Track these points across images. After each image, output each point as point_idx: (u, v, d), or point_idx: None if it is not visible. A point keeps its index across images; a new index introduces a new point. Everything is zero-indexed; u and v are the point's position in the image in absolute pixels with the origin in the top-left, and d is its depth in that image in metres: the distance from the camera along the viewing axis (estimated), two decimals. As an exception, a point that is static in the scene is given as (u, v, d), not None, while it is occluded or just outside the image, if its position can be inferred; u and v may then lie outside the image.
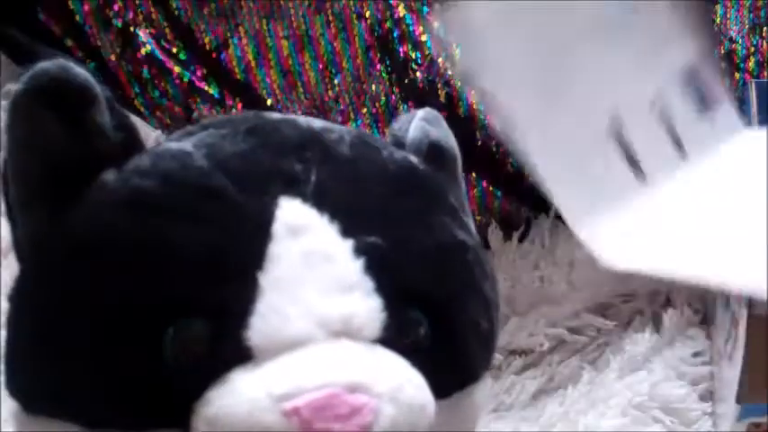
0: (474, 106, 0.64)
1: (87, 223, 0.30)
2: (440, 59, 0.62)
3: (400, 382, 0.29)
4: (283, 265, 0.29)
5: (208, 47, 0.68)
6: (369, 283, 0.29)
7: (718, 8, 0.62)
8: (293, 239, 0.29)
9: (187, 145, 0.31)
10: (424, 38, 0.62)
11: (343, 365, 0.28)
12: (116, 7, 0.66)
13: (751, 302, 0.49)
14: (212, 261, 0.29)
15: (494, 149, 0.65)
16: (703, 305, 0.66)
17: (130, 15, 0.66)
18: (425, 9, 0.62)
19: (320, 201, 0.30)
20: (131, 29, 0.66)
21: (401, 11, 0.63)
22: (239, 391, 0.27)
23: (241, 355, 0.28)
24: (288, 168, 0.31)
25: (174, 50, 0.67)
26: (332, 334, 0.29)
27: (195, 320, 0.28)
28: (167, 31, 0.67)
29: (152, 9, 0.66)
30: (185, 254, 0.29)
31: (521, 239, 0.67)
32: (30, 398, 0.31)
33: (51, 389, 0.30)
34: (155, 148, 0.32)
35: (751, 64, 0.63)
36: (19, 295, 0.31)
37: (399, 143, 0.36)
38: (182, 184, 0.30)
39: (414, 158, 0.34)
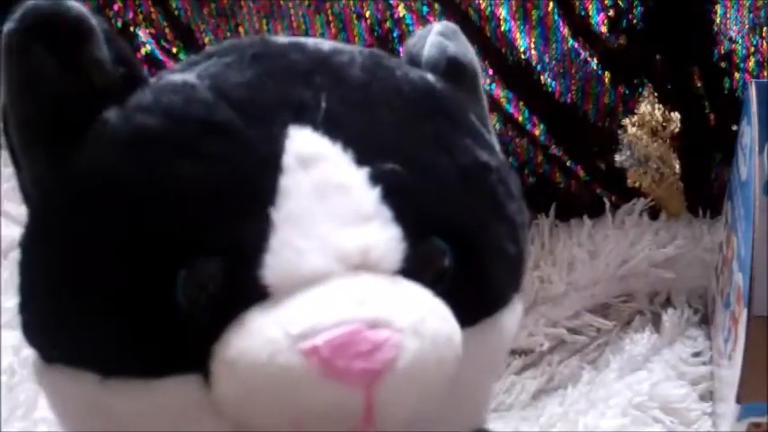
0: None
1: (91, 165, 0.29)
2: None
3: (423, 314, 0.27)
4: (296, 199, 0.28)
5: (208, 47, 0.68)
6: (387, 213, 0.28)
7: (718, 8, 0.62)
8: (305, 171, 0.28)
9: (191, 76, 0.30)
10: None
11: (362, 300, 0.27)
12: (116, 7, 0.66)
13: (751, 302, 0.49)
14: (221, 197, 0.28)
15: (494, 149, 0.65)
16: (703, 305, 0.66)
17: (130, 15, 0.66)
18: (425, 9, 0.62)
19: (332, 128, 0.29)
20: (131, 29, 0.66)
21: (401, 11, 0.63)
22: (256, 332, 0.26)
23: (257, 294, 0.27)
24: (296, 96, 0.29)
25: (174, 50, 0.67)
26: (350, 267, 0.27)
27: (207, 260, 0.27)
28: (167, 31, 0.67)
29: (152, 9, 0.66)
30: (193, 191, 0.28)
31: (521, 239, 0.66)
32: (45, 346, 0.30)
33: (64, 336, 0.29)
34: (158, 80, 0.30)
35: (751, 64, 0.63)
36: (28, 241, 0.30)
37: (415, 61, 0.33)
38: (186, 119, 0.28)
39: (431, 77, 0.33)
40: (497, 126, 0.64)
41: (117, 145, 0.29)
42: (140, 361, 0.28)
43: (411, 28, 0.63)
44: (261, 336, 0.26)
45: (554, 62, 0.63)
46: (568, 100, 0.64)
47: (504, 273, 0.32)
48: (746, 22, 0.62)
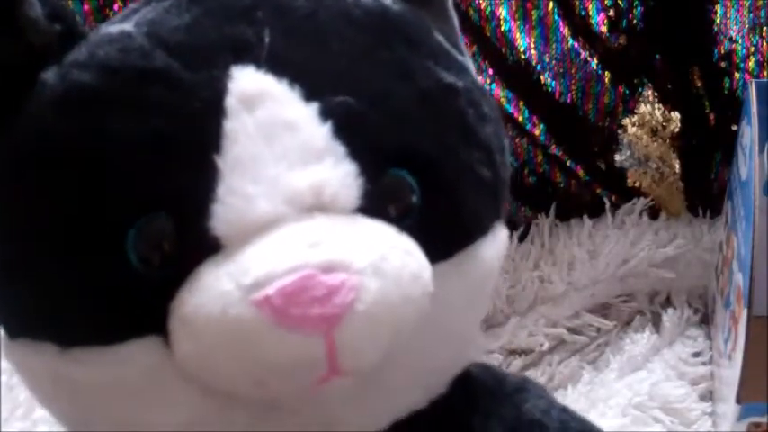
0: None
1: (30, 127, 0.28)
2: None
3: (383, 252, 0.26)
4: (241, 143, 0.26)
5: None
6: (340, 148, 0.27)
7: (718, 8, 0.62)
8: (249, 112, 0.26)
9: (128, 25, 0.28)
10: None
11: (316, 243, 0.25)
12: (116, 7, 0.66)
13: (751, 302, 0.49)
14: (161, 149, 0.26)
15: (494, 149, 0.65)
16: (703, 305, 0.66)
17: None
18: (425, 9, 0.62)
19: (277, 65, 0.27)
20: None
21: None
22: (209, 286, 0.25)
23: (209, 247, 0.26)
24: (237, 34, 0.28)
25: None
26: (303, 210, 0.26)
27: (155, 216, 0.26)
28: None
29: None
30: (132, 146, 0.26)
31: (521, 239, 0.67)
32: (6, 320, 0.29)
33: (22, 307, 0.29)
34: (95, 33, 0.29)
35: (751, 64, 0.63)
36: None
37: None
38: (121, 70, 0.27)
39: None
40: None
41: (54, 104, 0.28)
42: (97, 327, 0.27)
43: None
44: (213, 290, 0.25)
45: (554, 62, 0.63)
46: (568, 100, 0.64)
47: (478, 200, 0.30)
48: (746, 22, 0.62)
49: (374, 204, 0.27)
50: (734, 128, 0.61)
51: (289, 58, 0.27)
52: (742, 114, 0.57)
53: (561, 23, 0.62)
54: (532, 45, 0.63)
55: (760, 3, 0.62)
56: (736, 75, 0.63)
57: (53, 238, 0.27)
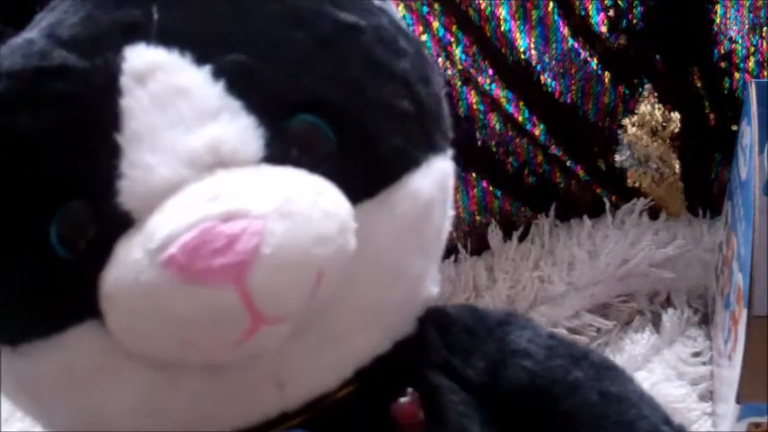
0: (474, 106, 0.64)
1: None
2: (439, 59, 0.62)
3: (289, 195, 0.26)
4: (137, 117, 0.27)
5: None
6: (235, 103, 0.27)
7: (718, 8, 0.62)
8: (142, 86, 0.27)
9: (32, 33, 0.30)
10: (424, 37, 0.62)
11: (214, 196, 0.26)
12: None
13: (751, 302, 0.49)
14: (65, 139, 0.27)
15: (494, 149, 0.65)
16: (703, 305, 0.66)
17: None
18: (425, 9, 0.62)
19: (166, 37, 0.28)
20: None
21: (401, 10, 0.63)
22: (122, 259, 0.26)
23: (123, 222, 0.27)
24: (127, 17, 0.29)
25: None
26: (204, 169, 0.27)
27: (71, 204, 0.27)
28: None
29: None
30: (38, 141, 0.28)
31: (521, 239, 0.67)
32: None
33: None
34: (4, 47, 0.30)
35: (751, 64, 0.63)
36: None
37: None
38: (23, 73, 0.28)
39: None
40: (497, 126, 0.64)
41: None
42: (38, 321, 0.28)
43: (411, 28, 0.63)
44: (126, 261, 0.26)
45: (554, 62, 0.63)
46: (568, 100, 0.64)
47: (398, 133, 0.30)
48: (746, 22, 0.62)
49: (280, 153, 0.28)
50: (734, 128, 0.61)
51: (178, 29, 0.28)
52: (742, 114, 0.57)
53: (561, 23, 0.62)
54: (532, 45, 0.63)
55: (760, 3, 0.62)
56: (736, 75, 0.63)
57: None
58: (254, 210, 0.26)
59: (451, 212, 0.34)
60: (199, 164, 0.27)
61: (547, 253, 0.65)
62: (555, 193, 0.67)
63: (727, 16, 0.62)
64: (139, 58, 0.28)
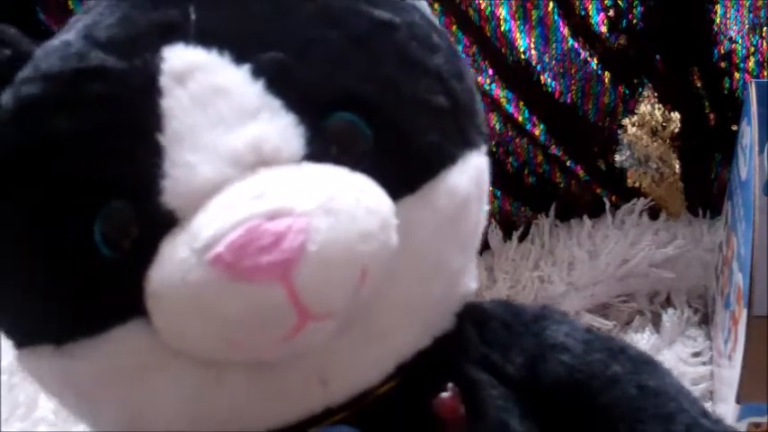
0: (474, 106, 0.64)
1: None
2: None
3: (331, 192, 0.27)
4: (178, 116, 0.27)
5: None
6: (275, 102, 0.28)
7: (718, 8, 0.62)
8: (182, 86, 0.28)
9: (69, 35, 0.30)
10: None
11: (259, 195, 0.26)
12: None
13: (751, 302, 0.49)
14: (106, 140, 0.28)
15: (494, 149, 0.65)
16: (703, 305, 0.66)
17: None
18: (425, 9, 0.62)
19: (205, 37, 0.28)
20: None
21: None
22: (168, 258, 0.26)
23: (167, 222, 0.27)
24: (164, 17, 0.29)
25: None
26: (246, 168, 0.27)
27: (114, 204, 0.27)
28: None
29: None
30: (79, 142, 0.28)
31: (521, 239, 0.67)
32: (10, 334, 0.31)
33: (15, 317, 0.30)
34: (40, 49, 0.31)
35: (751, 64, 0.63)
36: None
37: None
38: (61, 75, 0.29)
39: None
40: (497, 126, 0.64)
41: (8, 121, 0.29)
42: (82, 320, 0.28)
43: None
44: (172, 260, 0.26)
45: (554, 62, 0.63)
46: (568, 100, 0.64)
47: (434, 129, 0.30)
48: (746, 22, 0.62)
49: (321, 150, 0.28)
50: (734, 128, 0.61)
51: (215, 29, 0.28)
52: (742, 114, 0.57)
53: (561, 23, 0.62)
54: (532, 45, 0.63)
55: (760, 3, 0.62)
56: (736, 75, 0.63)
57: (27, 245, 0.29)
58: (299, 207, 0.26)
59: (487, 208, 0.34)
60: (241, 163, 0.27)
61: (547, 253, 0.65)
62: (555, 193, 0.67)
63: (727, 16, 0.62)
64: (178, 58, 0.28)
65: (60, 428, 0.54)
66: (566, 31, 0.62)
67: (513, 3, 0.62)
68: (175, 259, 0.26)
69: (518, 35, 0.62)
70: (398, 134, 0.30)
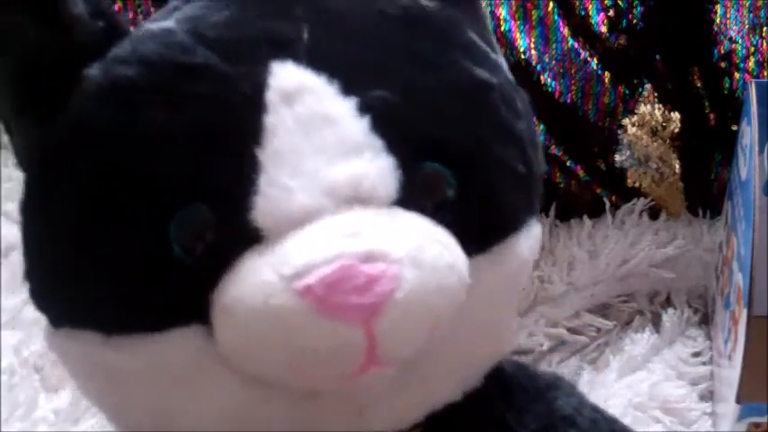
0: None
1: (76, 123, 0.29)
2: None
3: (420, 243, 0.27)
4: (281, 136, 0.27)
5: None
6: (377, 142, 0.27)
7: (718, 8, 0.62)
8: (289, 106, 0.27)
9: (169, 23, 0.29)
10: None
11: (355, 233, 0.26)
12: (116, 7, 0.66)
13: (751, 302, 0.49)
14: (203, 141, 0.27)
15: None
16: (703, 305, 0.66)
17: (130, 15, 0.66)
18: (425, 9, 0.62)
19: (315, 60, 0.28)
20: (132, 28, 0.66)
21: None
22: (250, 277, 0.26)
23: (250, 238, 0.26)
24: (276, 30, 0.28)
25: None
26: (342, 202, 0.27)
27: (196, 206, 0.27)
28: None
29: (152, 9, 0.66)
30: (173, 137, 0.27)
31: (521, 239, 0.66)
32: (50, 310, 0.30)
33: (67, 296, 0.29)
34: (137, 30, 0.30)
35: (751, 64, 0.63)
36: (26, 206, 0.30)
37: None
38: (162, 64, 0.28)
39: None
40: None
41: (97, 98, 0.28)
42: (141, 315, 0.28)
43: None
44: (255, 280, 0.26)
45: (554, 62, 0.63)
46: (568, 100, 0.64)
47: (513, 194, 0.31)
48: (746, 22, 0.62)
49: (410, 197, 0.28)
50: (734, 128, 0.61)
51: (327, 54, 0.28)
52: (742, 114, 0.57)
53: (561, 23, 0.62)
54: (532, 45, 0.63)
55: (760, 3, 0.62)
56: (736, 75, 0.63)
57: (97, 225, 0.28)
58: (392, 253, 0.26)
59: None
60: (338, 196, 0.27)
61: (547, 253, 0.65)
62: (555, 193, 0.67)
63: (727, 16, 0.62)
64: (287, 76, 0.27)
65: (60, 428, 0.54)
66: (566, 31, 0.62)
67: (513, 3, 0.62)
68: (258, 279, 0.26)
69: (518, 35, 0.62)
70: (482, 193, 0.30)
